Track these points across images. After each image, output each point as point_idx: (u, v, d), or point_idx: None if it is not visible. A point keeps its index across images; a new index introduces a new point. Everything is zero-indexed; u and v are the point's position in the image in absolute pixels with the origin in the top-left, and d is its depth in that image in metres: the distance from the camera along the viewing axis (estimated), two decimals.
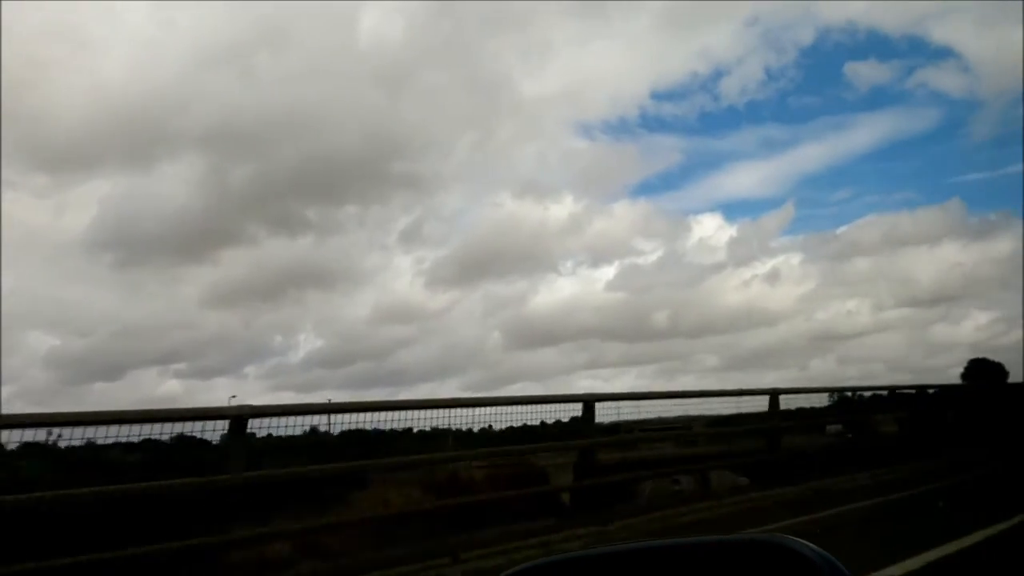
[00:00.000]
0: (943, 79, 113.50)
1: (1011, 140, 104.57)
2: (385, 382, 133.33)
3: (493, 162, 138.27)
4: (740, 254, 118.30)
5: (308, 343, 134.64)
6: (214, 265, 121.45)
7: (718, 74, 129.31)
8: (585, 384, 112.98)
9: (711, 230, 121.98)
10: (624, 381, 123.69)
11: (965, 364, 59.32)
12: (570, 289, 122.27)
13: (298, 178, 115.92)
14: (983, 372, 57.20)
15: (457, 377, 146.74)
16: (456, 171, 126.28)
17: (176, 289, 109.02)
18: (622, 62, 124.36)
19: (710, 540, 1.29)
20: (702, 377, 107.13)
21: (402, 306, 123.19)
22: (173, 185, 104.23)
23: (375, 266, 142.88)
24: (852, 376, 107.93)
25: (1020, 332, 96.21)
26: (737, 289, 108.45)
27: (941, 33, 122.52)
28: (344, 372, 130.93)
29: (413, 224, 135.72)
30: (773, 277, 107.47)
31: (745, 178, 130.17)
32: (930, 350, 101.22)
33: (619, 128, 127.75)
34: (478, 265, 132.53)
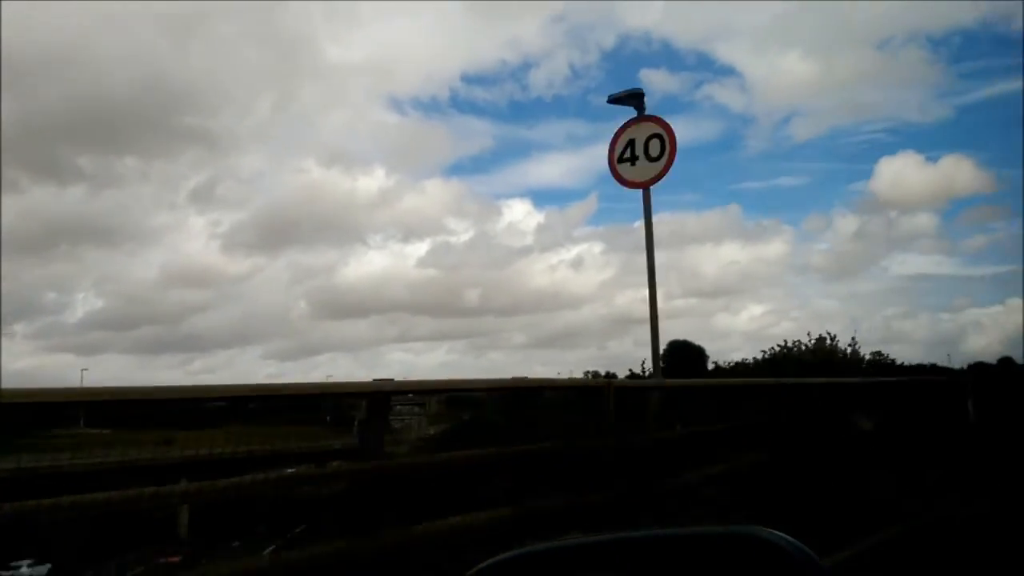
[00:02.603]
0: (726, 95, 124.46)
1: (779, 156, 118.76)
2: (178, 347, 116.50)
3: (297, 126, 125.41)
4: (547, 240, 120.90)
5: (87, 303, 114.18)
6: None
7: (527, 65, 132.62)
8: (396, 357, 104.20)
9: (520, 215, 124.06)
10: (435, 356, 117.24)
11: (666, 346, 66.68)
12: (381, 262, 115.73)
13: (69, 121, 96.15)
14: (682, 354, 63.10)
15: (260, 345, 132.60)
16: (256, 131, 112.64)
17: None
18: (433, 40, 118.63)
19: (686, 532, 1.29)
20: (511, 353, 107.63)
21: (196, 269, 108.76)
22: None
23: (163, 225, 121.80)
24: (642, 357, 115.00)
25: (788, 324, 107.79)
26: (544, 272, 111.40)
27: (725, 52, 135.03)
28: (130, 336, 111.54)
29: (206, 183, 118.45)
30: (577, 263, 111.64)
31: (553, 168, 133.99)
32: (713, 336, 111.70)
33: (430, 106, 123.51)
34: (281, 231, 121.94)
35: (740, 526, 1.17)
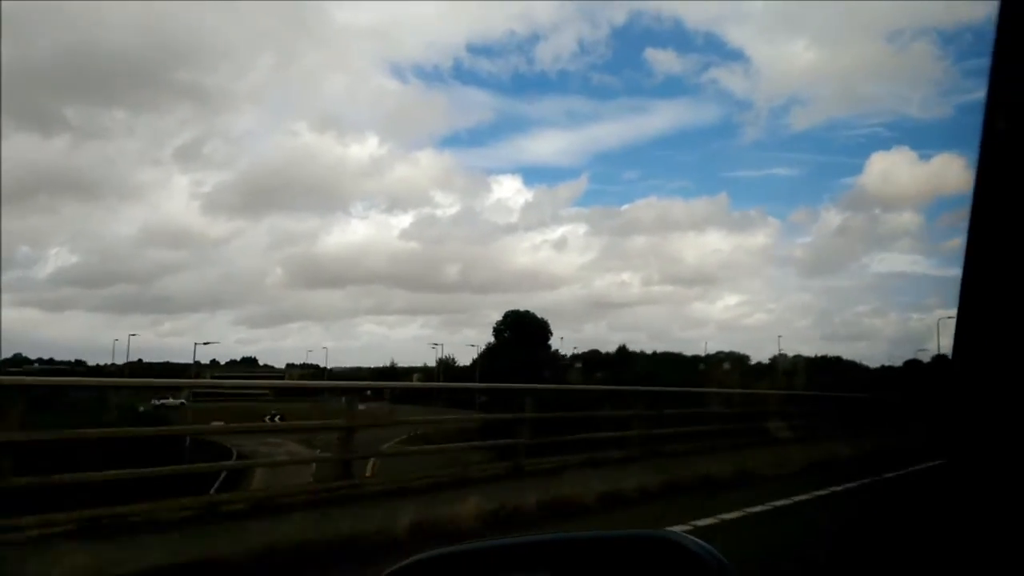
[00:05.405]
0: (731, 79, 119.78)
1: (776, 145, 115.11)
2: (148, 308, 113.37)
3: (294, 88, 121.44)
4: (532, 218, 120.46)
5: (60, 258, 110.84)
6: None
7: (535, 38, 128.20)
8: (368, 329, 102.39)
9: (510, 192, 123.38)
10: (408, 330, 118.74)
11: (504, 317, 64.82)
12: (363, 232, 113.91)
13: (58, 68, 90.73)
14: (522, 325, 62.50)
15: (231, 310, 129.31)
16: (251, 91, 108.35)
17: None
18: (443, 7, 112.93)
19: (598, 535, 1.31)
20: (484, 332, 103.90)
21: (174, 229, 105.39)
22: None
23: (146, 182, 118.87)
24: (616, 341, 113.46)
25: (762, 316, 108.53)
26: (526, 251, 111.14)
27: (735, 35, 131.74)
28: (101, 293, 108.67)
29: (193, 141, 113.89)
30: (561, 244, 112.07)
31: (547, 145, 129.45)
32: (687, 324, 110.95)
33: (432, 75, 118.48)
34: (266, 195, 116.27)
35: (652, 530, 1.19)
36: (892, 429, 18.01)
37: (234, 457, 26.63)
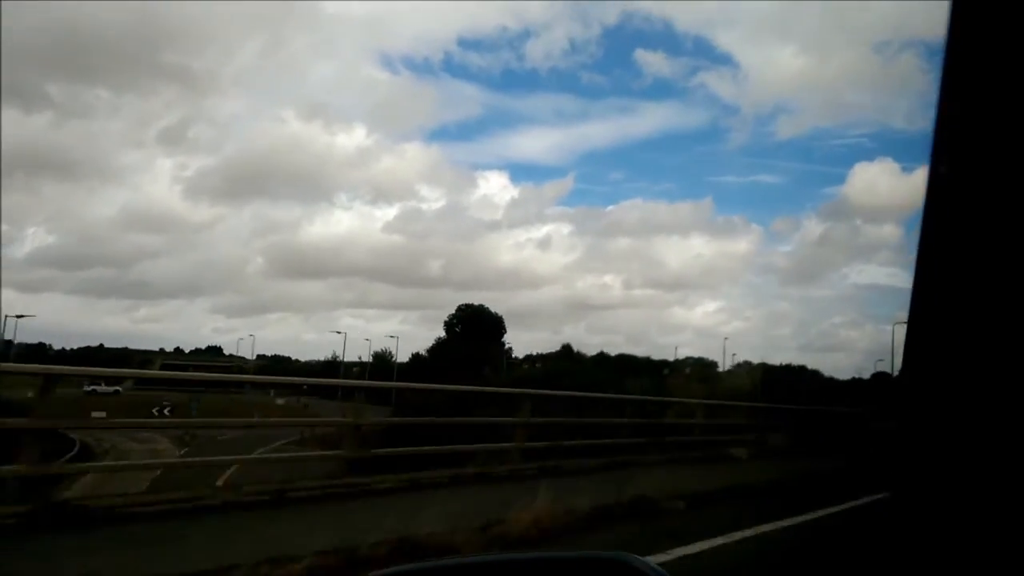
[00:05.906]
0: (719, 84, 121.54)
1: (760, 152, 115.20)
2: (124, 293, 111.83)
3: (282, 74, 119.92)
4: (517, 216, 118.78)
5: (37, 238, 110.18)
6: None
7: (527, 34, 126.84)
8: (347, 323, 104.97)
9: (496, 188, 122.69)
10: (387, 325, 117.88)
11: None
12: (347, 223, 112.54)
13: (43, 44, 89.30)
14: (474, 319, 62.05)
15: (209, 298, 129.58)
16: (238, 75, 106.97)
17: None
18: None
19: (552, 556, 1.41)
20: None
21: (156, 213, 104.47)
22: None
23: (128, 163, 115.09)
24: (596, 344, 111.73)
25: (739, 324, 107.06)
26: (510, 249, 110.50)
27: (725, 40, 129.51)
28: (78, 276, 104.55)
29: (178, 124, 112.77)
30: (545, 243, 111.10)
31: (535, 142, 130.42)
32: (665, 329, 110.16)
33: (423, 67, 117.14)
34: (248, 182, 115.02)
35: (608, 552, 1.17)
36: (832, 448, 15.94)
37: (71, 452, 24.05)
